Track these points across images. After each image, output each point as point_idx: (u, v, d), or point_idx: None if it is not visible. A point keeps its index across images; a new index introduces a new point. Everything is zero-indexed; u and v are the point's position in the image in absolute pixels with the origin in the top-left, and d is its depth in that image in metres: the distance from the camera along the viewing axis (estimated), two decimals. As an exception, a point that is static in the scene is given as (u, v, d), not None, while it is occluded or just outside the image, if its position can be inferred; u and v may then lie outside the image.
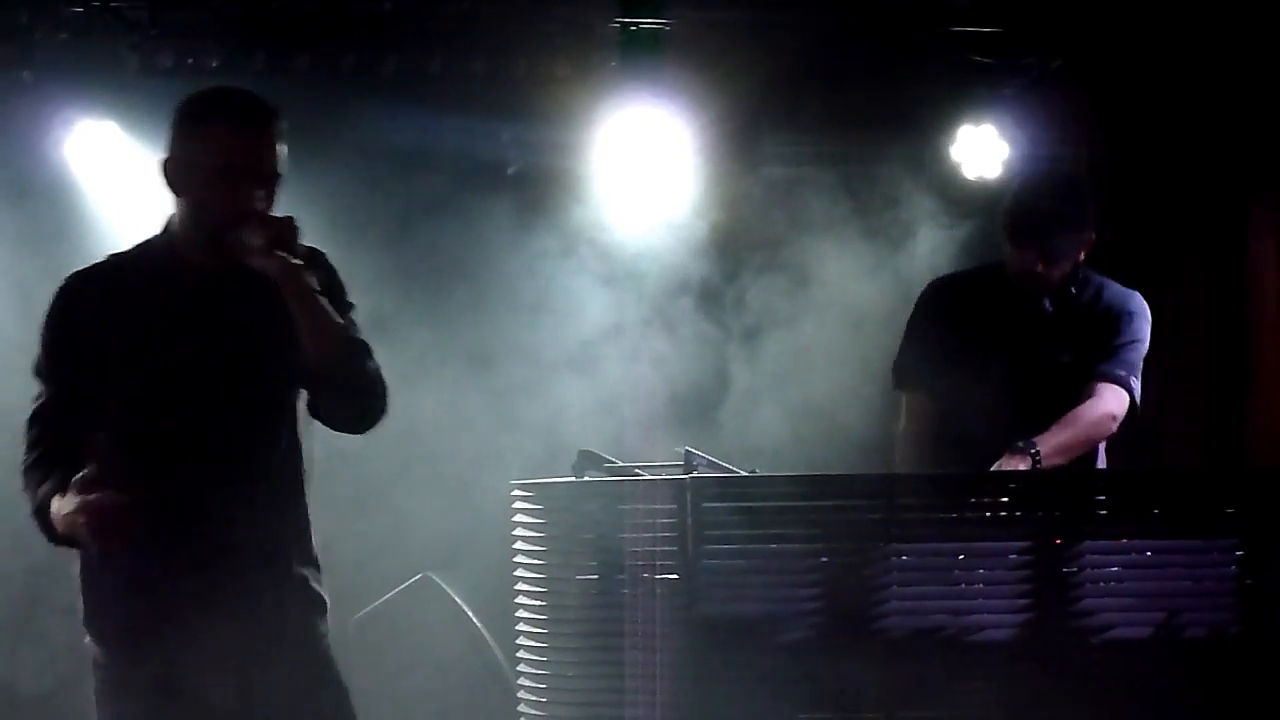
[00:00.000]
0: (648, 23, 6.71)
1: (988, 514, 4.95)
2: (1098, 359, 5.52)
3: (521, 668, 4.97)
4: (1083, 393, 5.48)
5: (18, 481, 4.06)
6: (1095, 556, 4.90)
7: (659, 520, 4.90)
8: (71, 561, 4.09)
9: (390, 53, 6.67)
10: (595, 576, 4.94)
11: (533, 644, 4.88)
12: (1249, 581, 4.87)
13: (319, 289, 3.97)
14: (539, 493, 4.97)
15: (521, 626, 4.95)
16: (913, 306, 5.71)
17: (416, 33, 6.63)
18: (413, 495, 7.05)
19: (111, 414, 4.01)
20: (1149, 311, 5.60)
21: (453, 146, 7.09)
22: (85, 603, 4.09)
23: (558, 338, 7.07)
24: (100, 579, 4.05)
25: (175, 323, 4.05)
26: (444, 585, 7.03)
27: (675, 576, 4.87)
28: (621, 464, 5.19)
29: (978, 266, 5.82)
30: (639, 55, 6.74)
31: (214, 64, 6.69)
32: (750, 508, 4.89)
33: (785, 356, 6.98)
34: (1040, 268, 5.45)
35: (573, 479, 5.10)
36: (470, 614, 6.99)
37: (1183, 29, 6.89)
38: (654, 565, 4.89)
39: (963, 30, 6.96)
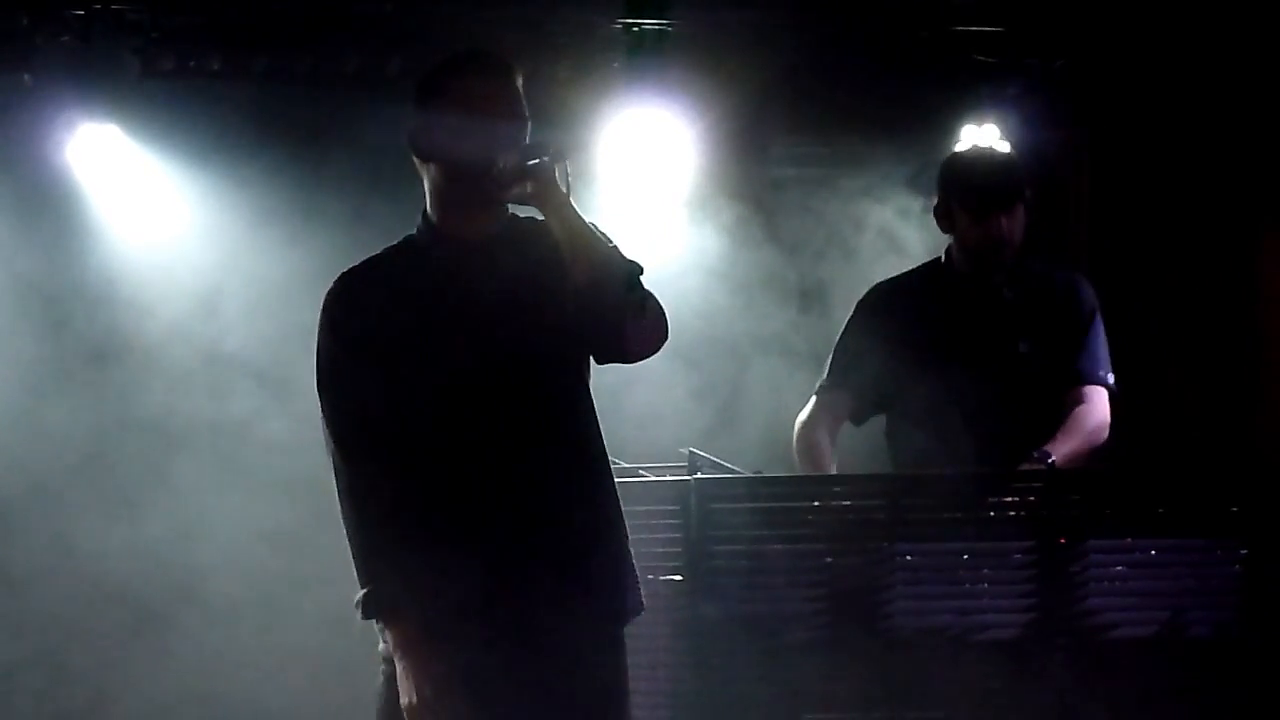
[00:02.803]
0: (651, 23, 6.70)
1: (992, 513, 4.95)
2: (1072, 356, 5.44)
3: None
4: (1071, 397, 5.40)
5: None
6: (1100, 556, 4.91)
7: (664, 521, 4.91)
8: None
9: (392, 55, 6.65)
10: (600, 578, 4.94)
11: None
12: (1253, 580, 4.88)
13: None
14: (543, 494, 4.97)
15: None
16: (855, 306, 5.63)
17: (419, 34, 6.62)
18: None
19: (407, 405, 3.96)
20: None
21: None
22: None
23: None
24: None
25: (449, 298, 4.02)
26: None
27: (680, 577, 4.88)
28: (626, 465, 5.19)
29: (919, 267, 5.73)
30: (642, 56, 6.73)
31: (216, 67, 6.68)
32: (755, 508, 4.89)
33: (790, 356, 6.97)
34: (1007, 235, 5.39)
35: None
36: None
37: (1185, 27, 6.88)
38: (659, 566, 4.89)
39: (965, 30, 6.95)
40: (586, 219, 3.95)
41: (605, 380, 6.66)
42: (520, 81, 4.05)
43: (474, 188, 4.00)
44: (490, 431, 3.98)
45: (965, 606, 4.88)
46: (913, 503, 4.93)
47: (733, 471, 5.13)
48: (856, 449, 5.68)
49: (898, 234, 7.02)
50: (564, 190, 3.93)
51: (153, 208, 7.01)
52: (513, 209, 4.11)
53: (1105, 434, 5.41)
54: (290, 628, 6.75)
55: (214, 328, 7.01)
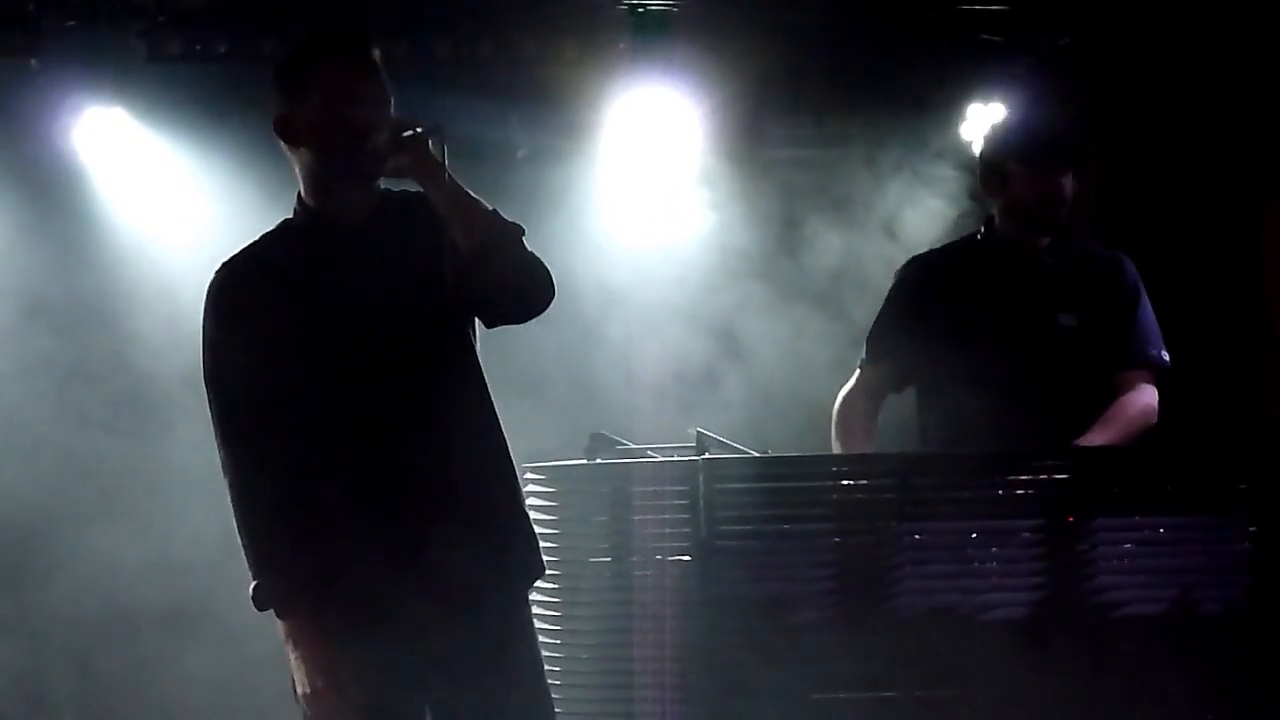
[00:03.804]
0: (656, 4, 6.71)
1: (1000, 492, 4.94)
2: (1122, 337, 5.42)
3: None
4: (1117, 381, 5.39)
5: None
6: (1108, 534, 4.89)
7: (671, 502, 4.90)
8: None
9: (398, 36, 6.66)
10: (608, 559, 4.95)
11: (545, 626, 4.88)
12: (1262, 557, 4.87)
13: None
14: (551, 475, 4.97)
15: (534, 609, 4.95)
16: (893, 280, 5.61)
17: (425, 16, 6.62)
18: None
19: (294, 392, 3.97)
20: None
21: (461, 129, 7.06)
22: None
23: (568, 319, 7.06)
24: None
25: (331, 281, 4.03)
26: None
27: (688, 558, 4.88)
28: (633, 446, 5.19)
29: (958, 240, 5.72)
30: (648, 37, 6.73)
31: (222, 49, 6.69)
32: (763, 488, 4.89)
33: (796, 336, 6.97)
34: (1066, 193, 5.36)
35: (585, 461, 5.11)
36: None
37: (1191, 4, 6.87)
38: (666, 547, 4.89)
39: (971, 8, 6.94)
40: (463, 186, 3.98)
41: (608, 363, 6.64)
42: (378, 55, 4.05)
43: (348, 167, 4.01)
44: (379, 412, 3.99)
45: (973, 585, 4.87)
46: (921, 482, 4.92)
47: (740, 451, 5.13)
48: (884, 424, 5.67)
49: (904, 212, 7.02)
50: (440, 160, 3.95)
51: (159, 191, 7.02)
52: (385, 183, 4.12)
53: (1151, 418, 5.39)
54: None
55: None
